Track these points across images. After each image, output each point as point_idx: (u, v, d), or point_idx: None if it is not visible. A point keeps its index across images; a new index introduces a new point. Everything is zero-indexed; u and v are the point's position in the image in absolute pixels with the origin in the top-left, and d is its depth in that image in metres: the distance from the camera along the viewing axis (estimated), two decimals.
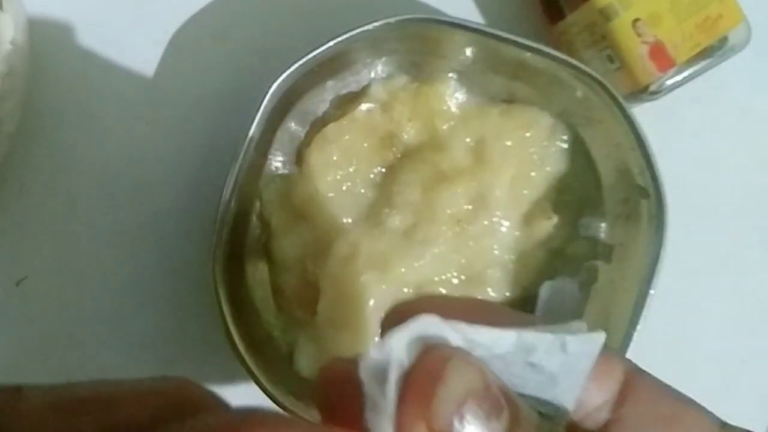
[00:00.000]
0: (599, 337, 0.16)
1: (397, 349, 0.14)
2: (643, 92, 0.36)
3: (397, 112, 0.35)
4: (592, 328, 0.16)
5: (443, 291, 0.34)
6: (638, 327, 0.34)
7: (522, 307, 0.37)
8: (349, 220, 0.35)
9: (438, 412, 0.13)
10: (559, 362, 0.15)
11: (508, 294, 0.36)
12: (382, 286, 0.34)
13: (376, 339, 0.20)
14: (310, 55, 0.32)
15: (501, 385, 0.14)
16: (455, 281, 0.35)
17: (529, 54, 0.33)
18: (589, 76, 0.33)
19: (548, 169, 0.36)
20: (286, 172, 0.36)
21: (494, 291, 0.35)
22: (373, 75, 0.36)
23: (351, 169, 0.35)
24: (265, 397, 0.32)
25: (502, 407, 0.14)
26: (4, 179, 0.35)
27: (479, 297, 0.35)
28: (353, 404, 0.13)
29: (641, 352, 0.33)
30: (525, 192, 0.36)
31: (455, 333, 0.14)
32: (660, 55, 0.35)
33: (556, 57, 0.33)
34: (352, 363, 0.13)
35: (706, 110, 0.41)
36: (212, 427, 0.13)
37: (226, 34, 0.38)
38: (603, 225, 0.36)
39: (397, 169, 0.35)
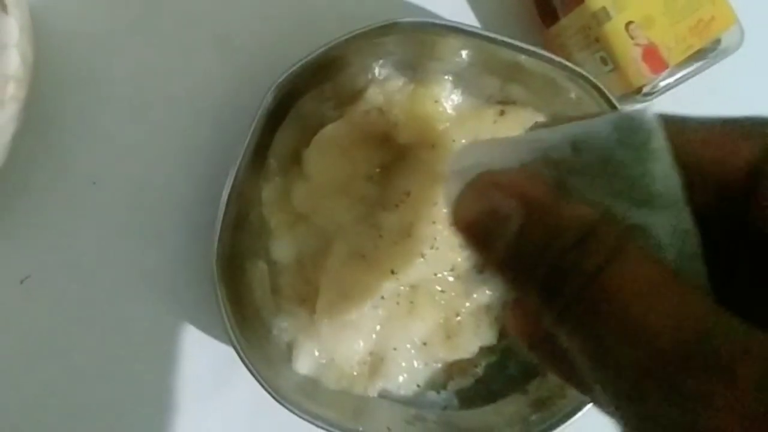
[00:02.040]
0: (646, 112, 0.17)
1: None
2: (636, 94, 0.36)
3: (393, 114, 0.35)
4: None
5: (439, 288, 0.35)
6: None
7: None
8: (348, 220, 0.35)
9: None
10: (624, 150, 0.17)
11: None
12: (381, 285, 0.35)
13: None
14: (309, 57, 0.33)
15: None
16: (451, 279, 0.35)
17: (523, 56, 0.34)
18: (583, 78, 0.33)
19: None
20: (286, 172, 0.36)
21: (490, 289, 0.35)
22: (370, 77, 0.36)
23: (349, 170, 0.35)
24: (266, 395, 0.33)
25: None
26: (8, 180, 0.36)
27: (475, 296, 0.36)
28: None
29: None
30: None
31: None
32: (653, 58, 0.35)
33: (550, 59, 0.33)
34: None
35: (699, 112, 0.41)
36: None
37: (226, 34, 0.38)
38: None
39: (393, 169, 0.35)
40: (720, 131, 0.18)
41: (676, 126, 0.18)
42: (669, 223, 0.17)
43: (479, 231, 0.18)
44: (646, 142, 0.17)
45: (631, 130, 0.17)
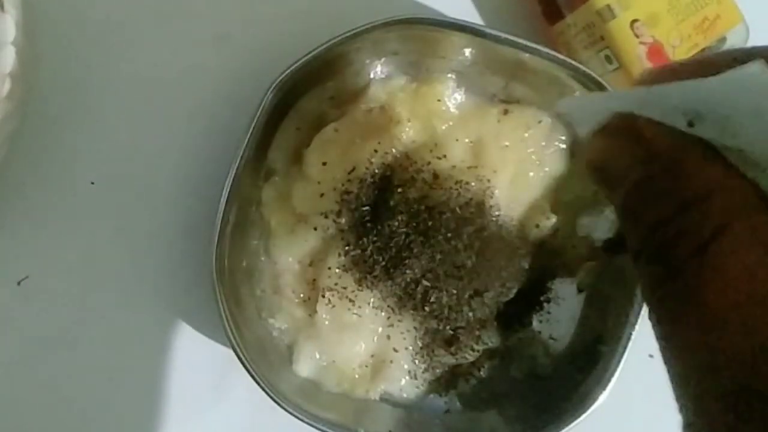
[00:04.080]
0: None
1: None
2: None
3: (396, 113, 0.35)
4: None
5: (442, 289, 0.34)
6: (637, 327, 0.34)
7: (520, 307, 0.37)
8: (349, 220, 0.35)
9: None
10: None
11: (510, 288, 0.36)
12: (382, 285, 0.35)
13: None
14: (310, 55, 0.32)
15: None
16: (455, 279, 0.35)
17: (527, 54, 0.34)
18: (588, 76, 0.33)
19: (547, 169, 0.36)
20: (286, 172, 0.36)
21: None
22: (372, 75, 0.36)
23: (350, 169, 0.35)
24: (266, 397, 0.32)
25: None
26: (5, 179, 0.35)
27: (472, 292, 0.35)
28: None
29: (641, 351, 0.33)
30: (524, 192, 0.36)
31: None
32: (658, 56, 0.35)
33: (554, 57, 0.33)
34: None
35: None
36: None
37: (227, 34, 0.38)
38: (602, 225, 0.36)
39: (396, 169, 0.35)
40: None
41: None
42: None
43: (606, 173, 0.18)
44: None
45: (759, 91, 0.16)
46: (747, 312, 0.14)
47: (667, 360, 0.15)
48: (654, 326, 0.16)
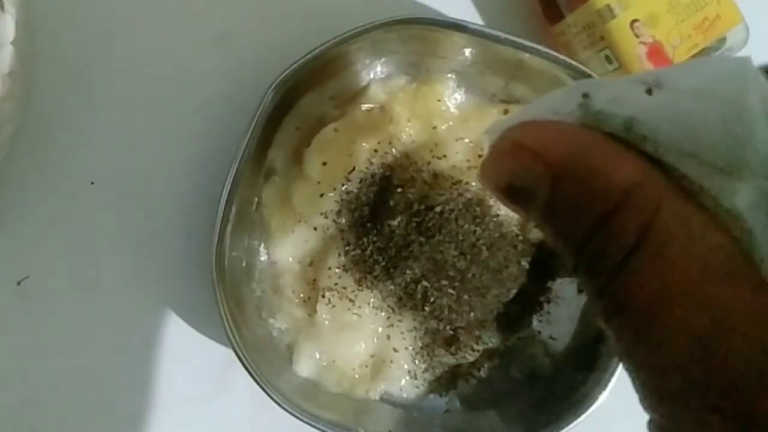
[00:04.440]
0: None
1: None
2: None
3: (396, 113, 0.35)
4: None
5: (442, 289, 0.34)
6: None
7: (520, 307, 0.37)
8: (349, 220, 0.35)
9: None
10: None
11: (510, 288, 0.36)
12: (382, 285, 0.35)
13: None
14: (310, 55, 0.32)
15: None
16: (455, 280, 0.35)
17: (527, 55, 0.33)
18: (588, 76, 0.33)
19: None
20: (286, 172, 0.36)
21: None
22: (372, 75, 0.36)
23: (350, 169, 0.35)
24: (265, 397, 0.32)
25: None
26: (5, 179, 0.35)
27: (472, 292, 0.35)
28: None
29: None
30: None
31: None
32: (658, 56, 0.35)
33: (554, 57, 0.33)
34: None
35: None
36: None
37: (227, 34, 0.38)
38: None
39: (396, 169, 0.35)
40: None
41: None
42: (752, 197, 0.14)
43: (511, 194, 0.16)
44: (741, 93, 0.14)
45: (724, 79, 0.14)
46: (678, 311, 0.13)
47: (623, 363, 0.15)
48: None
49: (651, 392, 0.14)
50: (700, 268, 0.13)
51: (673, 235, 0.14)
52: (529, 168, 0.15)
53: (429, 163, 0.35)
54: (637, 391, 0.15)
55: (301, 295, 0.36)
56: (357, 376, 0.36)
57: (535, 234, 0.36)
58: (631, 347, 0.14)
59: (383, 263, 0.34)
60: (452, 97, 0.36)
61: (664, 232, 0.14)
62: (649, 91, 0.15)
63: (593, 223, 0.14)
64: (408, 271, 0.34)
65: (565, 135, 0.15)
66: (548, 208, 0.15)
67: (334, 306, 0.35)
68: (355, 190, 0.35)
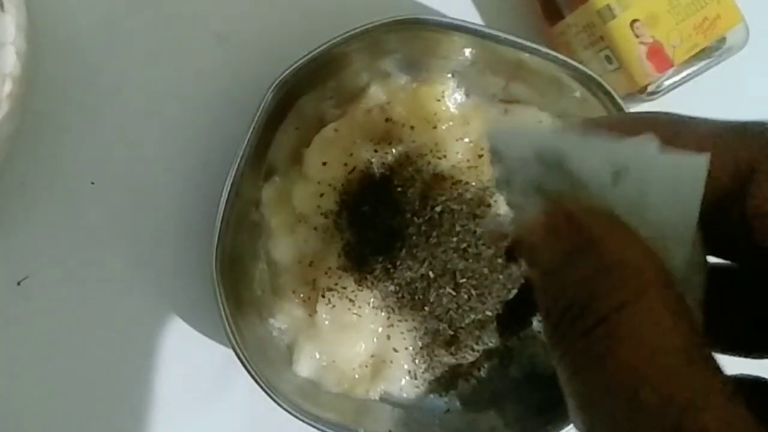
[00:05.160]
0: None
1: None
2: (641, 93, 0.36)
3: (396, 113, 0.35)
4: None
5: (441, 289, 0.34)
6: None
7: (520, 307, 0.37)
8: (349, 220, 0.35)
9: None
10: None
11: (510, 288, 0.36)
12: (382, 285, 0.34)
13: None
14: (310, 55, 0.32)
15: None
16: (456, 284, 0.35)
17: (527, 55, 0.33)
18: (588, 76, 0.33)
19: None
20: (286, 172, 0.36)
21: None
22: (372, 75, 0.36)
23: (350, 169, 0.35)
24: (266, 397, 0.32)
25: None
26: (5, 180, 0.35)
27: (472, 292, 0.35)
28: None
29: None
30: None
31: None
32: (658, 56, 0.35)
33: (554, 57, 0.33)
34: None
35: (704, 111, 0.41)
36: None
37: (227, 34, 0.38)
38: None
39: (396, 169, 0.35)
40: (717, 131, 0.17)
41: (672, 126, 0.17)
42: (683, 260, 0.16)
43: (527, 253, 0.18)
44: (696, 191, 0.16)
45: (686, 180, 0.16)
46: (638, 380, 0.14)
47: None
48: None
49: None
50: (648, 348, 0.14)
51: (639, 320, 0.15)
52: (563, 239, 0.16)
53: (429, 163, 0.35)
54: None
55: (301, 295, 0.36)
56: (357, 376, 0.36)
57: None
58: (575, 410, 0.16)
59: (383, 263, 0.34)
60: (452, 97, 0.36)
61: (635, 315, 0.15)
62: (615, 178, 0.16)
63: (574, 287, 0.16)
64: (408, 271, 0.34)
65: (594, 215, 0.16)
66: (550, 273, 0.17)
67: (334, 306, 0.35)
68: (355, 190, 0.35)
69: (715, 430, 0.13)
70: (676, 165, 0.16)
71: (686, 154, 0.16)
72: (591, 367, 0.15)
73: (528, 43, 0.33)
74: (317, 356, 0.36)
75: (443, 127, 0.35)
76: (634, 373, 0.14)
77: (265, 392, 0.32)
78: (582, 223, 0.16)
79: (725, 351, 0.18)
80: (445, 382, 0.37)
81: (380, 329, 0.35)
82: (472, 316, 0.35)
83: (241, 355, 0.32)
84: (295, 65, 0.32)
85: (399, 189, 0.34)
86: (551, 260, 0.16)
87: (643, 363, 0.14)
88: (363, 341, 0.35)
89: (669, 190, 0.16)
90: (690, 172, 0.16)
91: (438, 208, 0.34)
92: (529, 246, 0.17)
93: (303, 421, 0.33)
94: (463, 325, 0.35)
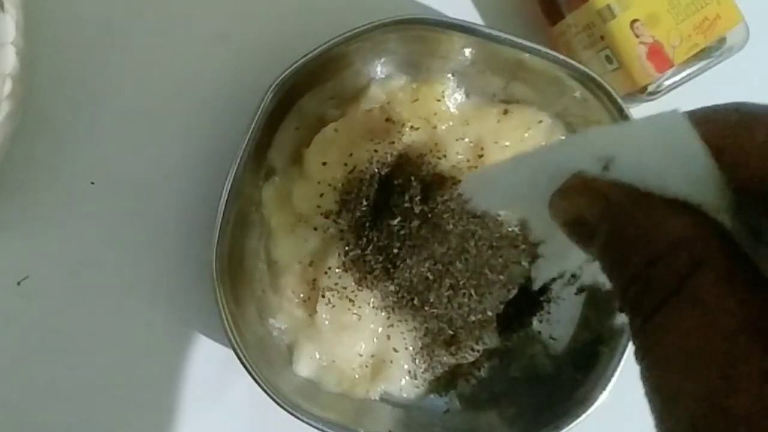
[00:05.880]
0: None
1: None
2: (641, 93, 0.36)
3: (396, 112, 0.35)
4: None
5: (441, 289, 0.34)
6: None
7: (520, 307, 0.37)
8: (349, 220, 0.35)
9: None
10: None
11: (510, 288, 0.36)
12: (382, 285, 0.34)
13: None
14: (310, 55, 0.32)
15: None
16: (456, 284, 0.35)
17: (527, 54, 0.33)
18: (588, 76, 0.33)
19: None
20: (286, 172, 0.36)
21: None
22: (372, 75, 0.36)
23: (350, 169, 0.35)
24: (266, 397, 0.32)
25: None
26: (5, 180, 0.35)
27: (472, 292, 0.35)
28: None
29: None
30: None
31: None
32: (658, 56, 0.35)
33: (554, 57, 0.33)
34: None
35: None
36: None
37: (227, 34, 0.38)
38: None
39: (396, 169, 0.35)
40: (733, 118, 0.18)
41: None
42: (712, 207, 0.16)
43: (578, 230, 0.18)
44: (688, 139, 0.16)
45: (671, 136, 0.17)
46: (693, 362, 0.15)
47: (647, 394, 0.16)
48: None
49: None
50: (718, 326, 0.15)
51: (706, 291, 0.15)
52: (593, 204, 0.17)
53: (429, 163, 0.35)
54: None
55: (301, 295, 0.36)
56: (357, 376, 0.36)
57: (535, 235, 0.36)
58: (652, 392, 0.16)
59: (383, 263, 0.34)
60: (452, 97, 0.36)
61: (700, 286, 0.15)
62: (605, 168, 0.17)
63: (639, 267, 0.16)
64: (408, 271, 0.34)
65: (621, 186, 0.17)
66: (604, 246, 0.17)
67: (334, 306, 0.35)
68: (355, 190, 0.35)
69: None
70: (654, 134, 0.17)
71: (653, 119, 0.17)
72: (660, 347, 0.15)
73: (528, 43, 0.33)
74: (317, 356, 0.36)
75: (443, 127, 0.35)
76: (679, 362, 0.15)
77: (265, 392, 0.32)
78: (622, 200, 0.17)
79: None
80: (445, 382, 0.37)
81: (380, 329, 0.35)
82: (472, 316, 0.35)
83: (241, 355, 0.32)
84: (295, 65, 0.32)
85: (399, 189, 0.34)
86: (601, 235, 0.17)
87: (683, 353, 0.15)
88: (363, 341, 0.35)
89: (664, 155, 0.17)
90: (671, 129, 0.16)
91: (438, 208, 0.34)
92: (581, 223, 0.18)
93: (303, 421, 0.33)
94: (463, 325, 0.35)
